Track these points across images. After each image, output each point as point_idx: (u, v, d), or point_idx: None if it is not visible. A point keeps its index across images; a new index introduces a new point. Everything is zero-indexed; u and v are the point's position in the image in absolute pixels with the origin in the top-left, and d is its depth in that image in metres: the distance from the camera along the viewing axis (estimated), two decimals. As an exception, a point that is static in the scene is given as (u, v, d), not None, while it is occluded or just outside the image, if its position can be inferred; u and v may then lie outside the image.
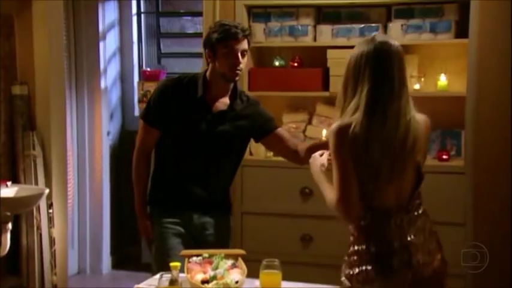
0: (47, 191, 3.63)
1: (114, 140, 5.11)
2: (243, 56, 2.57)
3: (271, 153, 3.75)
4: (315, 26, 3.69)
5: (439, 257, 2.08)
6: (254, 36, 3.75)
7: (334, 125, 1.99)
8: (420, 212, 2.07)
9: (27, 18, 3.83)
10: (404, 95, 2.00)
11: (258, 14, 3.75)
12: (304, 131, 3.81)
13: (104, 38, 4.88)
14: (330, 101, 3.76)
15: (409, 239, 2.01)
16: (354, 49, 2.05)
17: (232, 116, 2.66)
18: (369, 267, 1.98)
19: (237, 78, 2.62)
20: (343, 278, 2.05)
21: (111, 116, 5.06)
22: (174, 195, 2.71)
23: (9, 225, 3.50)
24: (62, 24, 3.99)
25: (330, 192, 2.02)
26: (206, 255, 2.30)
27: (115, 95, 5.17)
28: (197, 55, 5.02)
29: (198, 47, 4.97)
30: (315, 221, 3.58)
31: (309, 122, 3.82)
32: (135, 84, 5.31)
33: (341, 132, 1.96)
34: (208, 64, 2.66)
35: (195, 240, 2.71)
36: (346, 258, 2.06)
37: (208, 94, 2.65)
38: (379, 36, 2.09)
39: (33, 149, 3.81)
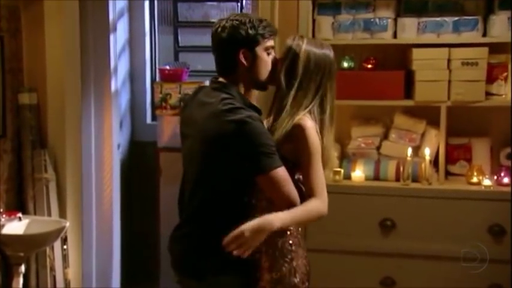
0: (67, 224, 3.53)
1: (124, 153, 4.99)
2: None
3: (341, 177, 3.68)
4: (395, 20, 3.57)
5: None
6: (319, 31, 3.66)
7: (310, 122, 2.33)
8: None
9: (38, 10, 3.73)
10: None
11: (325, 5, 3.61)
12: (378, 148, 3.71)
13: (115, 29, 4.75)
14: (412, 111, 3.68)
15: None
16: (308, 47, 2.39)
17: None
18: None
19: None
20: None
21: (120, 125, 4.96)
22: None
23: (22, 268, 3.44)
24: (78, 17, 3.87)
25: (317, 205, 2.31)
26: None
27: (124, 99, 5.04)
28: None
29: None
30: (398, 261, 3.47)
31: (385, 137, 3.73)
32: (148, 85, 5.22)
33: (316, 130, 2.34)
34: (233, 71, 2.39)
35: None
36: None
37: None
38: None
39: (45, 171, 3.72)
